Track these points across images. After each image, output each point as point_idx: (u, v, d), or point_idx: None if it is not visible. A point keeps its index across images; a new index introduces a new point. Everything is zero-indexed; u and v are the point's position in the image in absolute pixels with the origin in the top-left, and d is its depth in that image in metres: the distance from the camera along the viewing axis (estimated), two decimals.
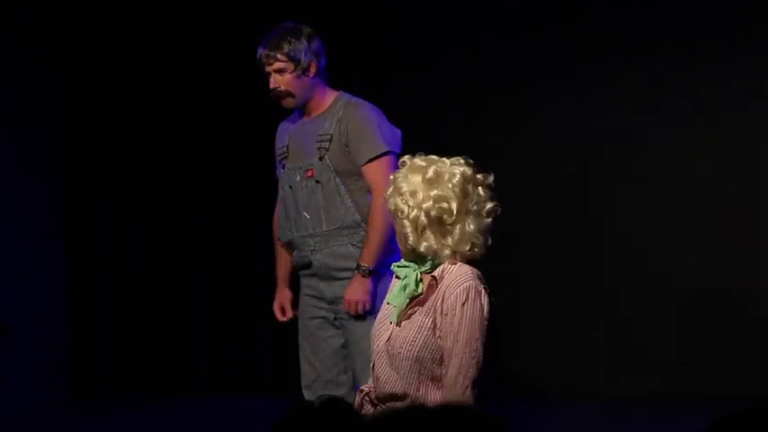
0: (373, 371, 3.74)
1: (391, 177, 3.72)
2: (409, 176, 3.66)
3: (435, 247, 3.64)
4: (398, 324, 3.69)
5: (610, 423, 6.59)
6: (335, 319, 4.95)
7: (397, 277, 3.79)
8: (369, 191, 4.87)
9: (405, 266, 3.75)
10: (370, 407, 3.74)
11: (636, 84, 7.08)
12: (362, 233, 4.86)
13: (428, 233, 3.64)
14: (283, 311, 5.15)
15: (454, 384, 3.57)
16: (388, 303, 3.78)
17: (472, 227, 3.65)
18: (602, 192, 7.17)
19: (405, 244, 3.70)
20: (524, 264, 7.20)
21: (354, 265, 4.85)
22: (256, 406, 7.06)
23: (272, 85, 4.93)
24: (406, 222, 3.65)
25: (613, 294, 7.14)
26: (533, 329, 7.25)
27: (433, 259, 3.68)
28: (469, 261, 3.68)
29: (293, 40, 4.90)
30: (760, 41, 6.91)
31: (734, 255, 6.94)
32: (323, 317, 4.98)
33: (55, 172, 7.61)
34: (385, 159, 4.82)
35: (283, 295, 5.16)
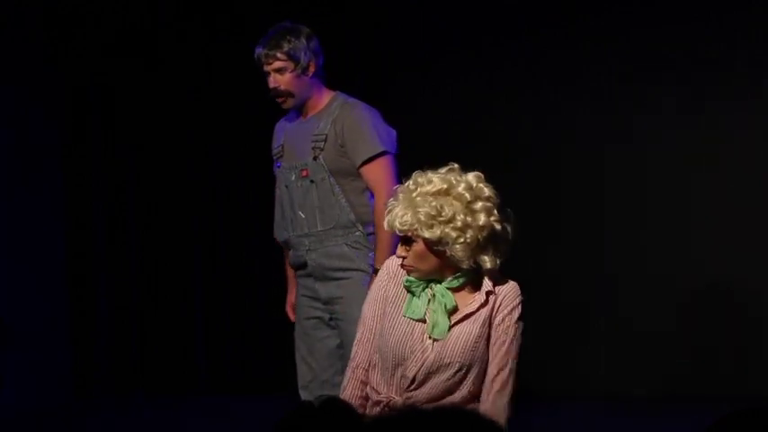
0: (412, 386, 3.71)
1: (422, 211, 3.63)
2: (442, 201, 3.61)
3: (496, 257, 3.69)
4: (443, 338, 3.71)
5: (610, 423, 6.59)
6: (331, 319, 4.95)
7: (410, 292, 3.76)
8: (363, 191, 4.87)
9: (419, 283, 3.74)
10: None
11: (636, 84, 7.08)
12: (357, 233, 4.86)
13: (485, 248, 3.66)
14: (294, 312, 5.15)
15: (503, 395, 3.74)
16: (405, 316, 3.74)
17: (509, 227, 3.72)
18: (603, 192, 7.17)
19: (443, 268, 3.69)
20: (524, 264, 7.17)
21: (349, 266, 4.85)
22: (256, 406, 7.05)
23: (271, 85, 4.92)
24: (461, 247, 3.62)
25: (613, 294, 7.15)
26: (533, 329, 7.21)
27: (466, 273, 3.70)
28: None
29: (293, 39, 4.89)
30: (760, 41, 6.91)
31: (734, 255, 6.94)
32: (318, 317, 4.98)
33: (55, 172, 7.60)
34: (383, 160, 4.82)
35: (294, 295, 5.15)
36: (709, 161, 6.99)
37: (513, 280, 3.80)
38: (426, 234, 3.62)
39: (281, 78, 4.90)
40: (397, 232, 3.67)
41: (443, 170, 3.68)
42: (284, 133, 5.06)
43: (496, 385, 3.73)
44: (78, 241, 7.67)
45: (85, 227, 7.70)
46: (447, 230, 3.61)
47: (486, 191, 3.67)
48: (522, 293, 3.77)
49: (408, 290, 3.76)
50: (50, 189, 7.58)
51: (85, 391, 7.63)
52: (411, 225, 3.62)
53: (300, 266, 4.99)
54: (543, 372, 7.22)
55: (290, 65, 4.89)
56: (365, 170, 4.83)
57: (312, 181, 4.89)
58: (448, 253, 3.64)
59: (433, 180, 3.64)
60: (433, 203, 3.61)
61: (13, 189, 7.31)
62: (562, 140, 7.21)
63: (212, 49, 7.57)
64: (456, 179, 3.65)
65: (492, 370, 3.73)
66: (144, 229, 7.76)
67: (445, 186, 3.63)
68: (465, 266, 3.67)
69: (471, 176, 3.67)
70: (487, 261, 3.68)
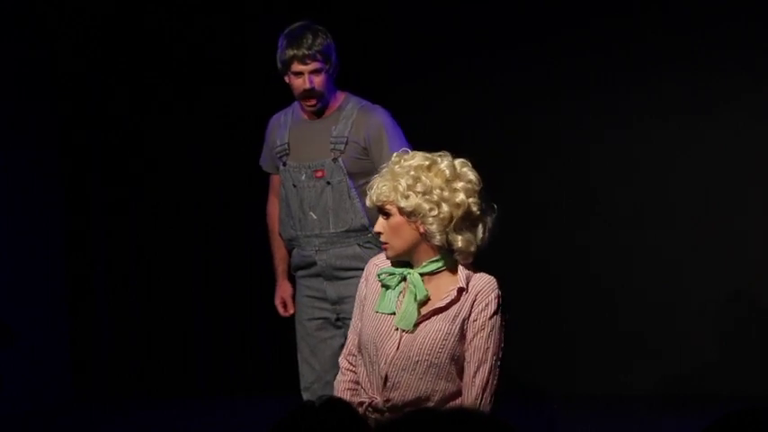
0: (384, 382, 3.71)
1: (401, 181, 3.66)
2: (421, 174, 3.65)
3: (468, 242, 3.66)
4: (410, 331, 3.70)
5: (610, 423, 6.59)
6: (338, 319, 4.94)
7: (385, 286, 3.77)
8: None
9: (394, 273, 3.75)
10: (377, 416, 3.72)
11: (642, 84, 7.09)
12: (369, 235, 4.85)
13: (459, 229, 3.65)
14: (285, 306, 5.13)
15: (482, 391, 3.67)
16: (377, 312, 3.76)
17: (490, 221, 3.71)
18: (603, 192, 7.17)
19: (415, 245, 3.68)
20: (525, 264, 7.21)
21: (360, 265, 4.84)
22: (256, 406, 7.05)
23: (308, 86, 4.85)
24: (433, 220, 3.63)
25: (613, 294, 7.15)
26: (533, 329, 7.25)
27: (442, 258, 3.69)
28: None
29: (326, 39, 4.87)
30: (760, 42, 6.92)
31: (734, 254, 6.94)
32: (324, 317, 4.97)
33: (54, 172, 7.60)
34: None
35: (284, 289, 5.13)
36: (710, 162, 7.00)
37: (491, 275, 3.73)
38: (402, 203, 3.64)
39: (316, 79, 4.86)
40: (374, 204, 3.71)
41: (434, 153, 3.72)
42: (288, 131, 5.02)
43: (477, 383, 3.68)
44: (78, 241, 7.67)
45: (85, 227, 7.70)
46: (421, 202, 3.63)
47: (470, 175, 3.68)
48: (500, 288, 3.70)
49: (383, 284, 3.76)
50: (50, 189, 7.58)
51: (85, 391, 7.63)
52: (387, 195, 3.66)
53: (307, 266, 4.98)
54: (543, 371, 7.23)
55: (326, 66, 4.86)
56: None
57: (328, 182, 4.88)
58: (421, 228, 3.65)
59: (417, 156, 3.68)
60: (412, 174, 3.64)
61: (13, 189, 7.31)
62: (563, 141, 7.22)
63: (212, 49, 7.57)
64: (441, 158, 3.69)
65: (471, 368, 3.68)
66: (144, 229, 7.76)
67: (427, 163, 3.67)
68: (437, 242, 3.64)
69: (457, 161, 3.70)
70: (459, 241, 3.65)
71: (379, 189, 3.68)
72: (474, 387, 3.68)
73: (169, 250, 7.75)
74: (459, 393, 3.72)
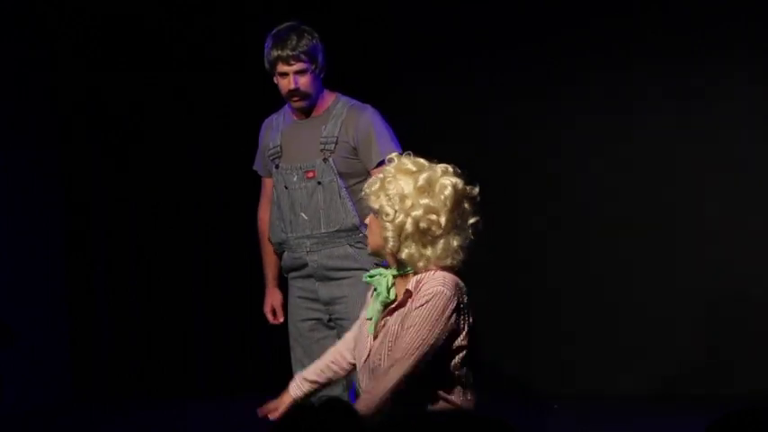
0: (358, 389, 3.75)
1: (380, 175, 3.70)
2: (399, 179, 3.64)
3: (416, 256, 3.62)
4: (375, 336, 3.70)
5: (610, 423, 6.59)
6: (330, 320, 4.94)
7: (375, 289, 3.78)
8: None
9: (376, 275, 3.75)
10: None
11: (636, 84, 7.09)
12: (361, 235, 4.85)
13: (410, 241, 3.61)
14: (274, 314, 5.13)
15: (386, 373, 3.56)
16: (368, 319, 3.77)
17: (455, 243, 3.63)
18: (603, 192, 7.17)
19: (383, 245, 3.68)
20: (524, 264, 7.20)
21: (351, 265, 4.85)
22: (256, 406, 7.04)
23: (293, 86, 4.86)
24: (389, 226, 3.62)
25: (613, 294, 7.15)
26: (533, 330, 7.25)
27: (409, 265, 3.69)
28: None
29: (312, 40, 4.87)
30: (760, 42, 6.92)
31: (733, 254, 6.95)
32: (317, 318, 4.97)
33: (54, 172, 7.60)
34: None
35: (274, 297, 5.14)
36: (709, 162, 7.00)
37: (463, 277, 3.65)
38: (372, 203, 3.66)
39: (302, 80, 4.87)
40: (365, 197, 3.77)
41: (434, 164, 3.68)
42: (280, 133, 5.04)
43: (382, 371, 3.58)
44: (78, 241, 7.67)
45: (85, 227, 7.70)
46: (384, 204, 3.62)
47: (447, 194, 3.60)
48: (455, 288, 3.56)
49: (372, 285, 3.78)
50: (50, 189, 7.58)
51: (85, 391, 7.63)
52: (366, 195, 3.69)
53: (298, 268, 4.98)
54: (543, 372, 7.23)
55: (311, 66, 4.87)
56: (376, 172, 4.83)
57: (319, 182, 4.89)
58: (381, 230, 3.67)
59: (409, 161, 3.67)
60: (391, 175, 3.64)
61: (13, 189, 7.31)
62: (563, 140, 7.22)
63: (212, 48, 7.57)
64: (429, 168, 3.65)
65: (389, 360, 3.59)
66: (144, 229, 7.75)
67: (414, 169, 3.64)
68: (389, 248, 3.63)
69: (446, 178, 3.64)
70: (404, 253, 3.62)
71: (367, 183, 3.72)
72: (382, 366, 3.58)
73: (169, 250, 7.75)
74: (422, 398, 3.62)
